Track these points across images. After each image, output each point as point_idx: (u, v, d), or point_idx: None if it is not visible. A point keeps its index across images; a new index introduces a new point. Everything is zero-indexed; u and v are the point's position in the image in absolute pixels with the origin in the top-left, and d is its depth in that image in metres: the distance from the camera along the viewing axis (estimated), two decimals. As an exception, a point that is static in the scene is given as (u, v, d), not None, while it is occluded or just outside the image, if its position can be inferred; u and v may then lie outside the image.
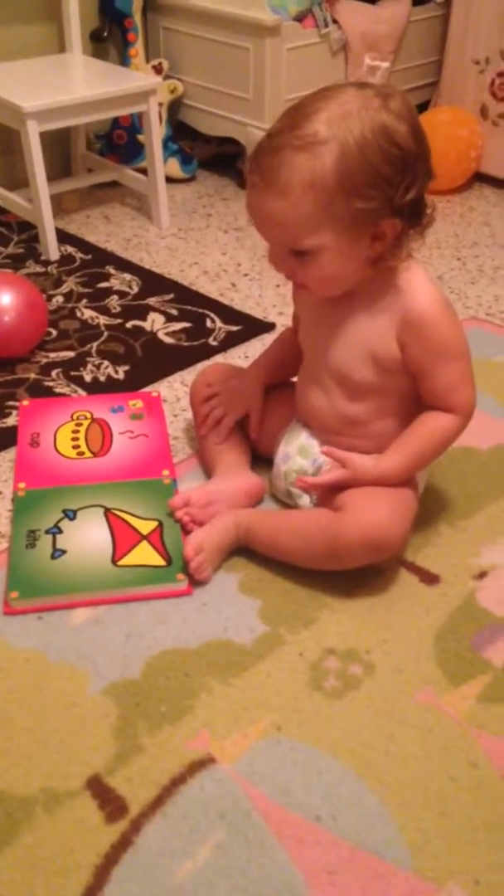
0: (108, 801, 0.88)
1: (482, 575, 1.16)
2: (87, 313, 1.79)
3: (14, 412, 1.47)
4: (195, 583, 1.12)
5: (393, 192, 0.94)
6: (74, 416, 1.42)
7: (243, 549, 1.17)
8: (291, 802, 0.88)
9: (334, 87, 0.96)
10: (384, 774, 0.91)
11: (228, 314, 1.79)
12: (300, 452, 1.21)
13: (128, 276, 1.94)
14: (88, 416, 1.42)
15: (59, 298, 1.84)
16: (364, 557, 1.08)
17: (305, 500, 1.20)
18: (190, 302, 1.84)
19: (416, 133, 0.96)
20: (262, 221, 1.00)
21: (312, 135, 0.92)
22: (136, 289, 1.89)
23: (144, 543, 1.16)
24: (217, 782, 0.90)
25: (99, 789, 0.89)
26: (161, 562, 1.14)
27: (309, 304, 1.15)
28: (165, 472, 1.29)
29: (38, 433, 1.38)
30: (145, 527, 1.19)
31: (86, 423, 1.40)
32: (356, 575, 1.11)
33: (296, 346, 1.23)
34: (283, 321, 1.73)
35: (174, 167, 2.38)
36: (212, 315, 1.79)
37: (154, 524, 1.19)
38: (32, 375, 1.58)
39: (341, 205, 0.94)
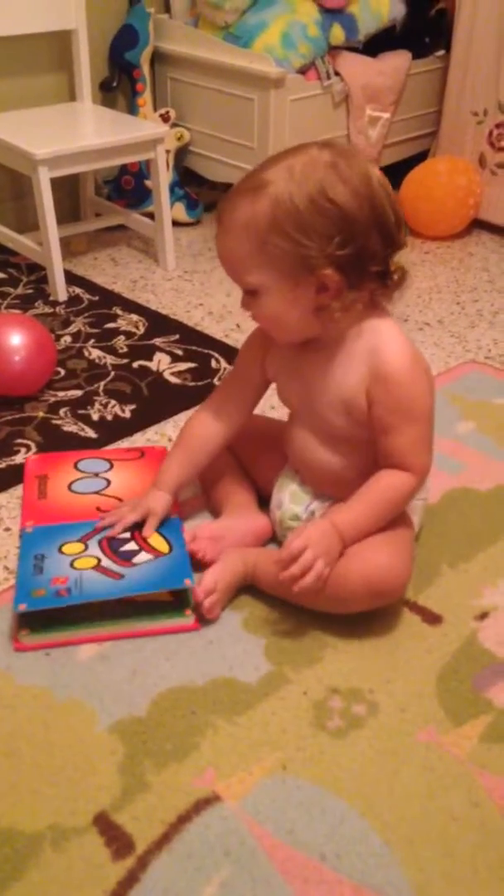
0: (115, 838, 0.89)
1: (483, 616, 1.17)
2: (95, 353, 1.83)
3: (23, 450, 1.50)
4: (202, 620, 1.14)
5: (325, 243, 0.99)
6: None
7: (248, 588, 1.18)
8: (296, 841, 0.89)
9: (303, 144, 1.04)
10: (387, 813, 0.92)
11: (233, 354, 1.82)
12: (292, 499, 1.23)
13: (134, 317, 1.98)
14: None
15: (68, 338, 1.88)
16: (367, 603, 1.11)
17: None
18: (195, 342, 1.88)
19: (360, 196, 0.99)
20: (220, 260, 1.08)
21: (258, 181, 1.02)
22: (142, 329, 1.93)
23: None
24: (222, 820, 0.91)
25: (106, 826, 0.90)
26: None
27: (282, 360, 1.18)
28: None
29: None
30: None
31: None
32: (359, 615, 1.13)
33: (210, 442, 1.24)
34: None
35: (180, 212, 2.44)
36: (216, 355, 1.83)
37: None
38: (41, 414, 1.61)
39: (272, 247, 1.00)
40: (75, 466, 1.42)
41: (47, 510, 1.31)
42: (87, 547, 1.22)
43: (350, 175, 1.00)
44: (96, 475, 1.40)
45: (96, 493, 1.36)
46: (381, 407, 1.08)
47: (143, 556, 1.19)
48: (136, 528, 1.24)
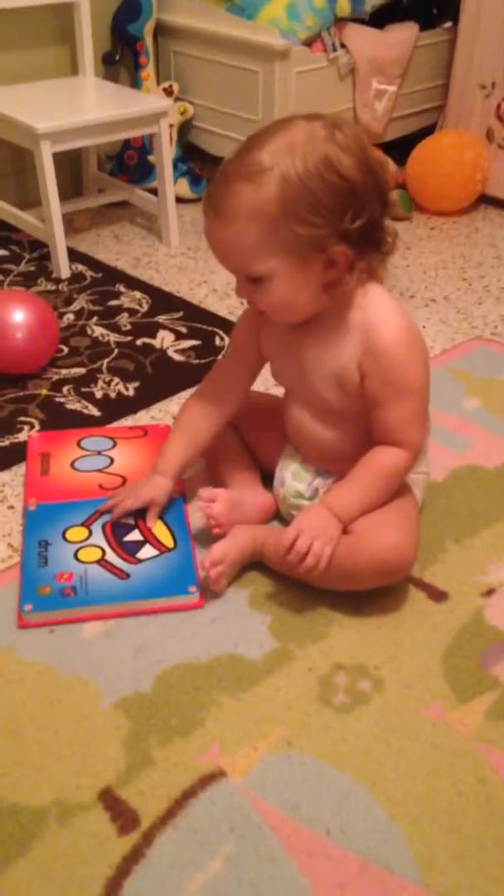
0: (120, 813, 0.89)
1: (490, 592, 1.17)
2: (98, 331, 1.82)
3: (26, 428, 1.49)
4: (207, 596, 1.13)
5: (338, 220, 0.96)
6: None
7: (252, 565, 1.18)
8: (301, 816, 0.89)
9: (286, 119, 1.00)
10: (393, 789, 0.92)
11: (237, 332, 1.81)
12: (295, 477, 1.22)
13: (138, 295, 1.96)
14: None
15: (70, 316, 1.87)
16: (376, 581, 1.10)
17: None
18: (199, 320, 1.86)
19: (363, 164, 0.97)
20: (216, 250, 1.03)
21: (257, 164, 0.95)
22: (145, 307, 1.91)
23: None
24: (228, 796, 0.91)
25: (111, 802, 0.90)
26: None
27: (276, 338, 1.16)
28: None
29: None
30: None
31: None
32: (364, 592, 1.12)
33: (208, 425, 1.23)
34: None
35: (184, 187, 2.41)
36: (220, 333, 1.81)
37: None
38: (44, 392, 1.60)
39: (285, 232, 0.96)
40: (78, 444, 1.42)
41: (50, 487, 1.31)
42: (91, 533, 1.22)
43: (349, 144, 0.97)
44: (99, 453, 1.40)
45: (99, 470, 1.35)
46: (374, 380, 1.07)
47: (148, 551, 1.19)
48: (140, 513, 1.24)
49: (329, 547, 1.06)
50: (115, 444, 1.42)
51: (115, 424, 1.52)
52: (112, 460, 1.38)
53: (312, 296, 1.04)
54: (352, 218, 0.97)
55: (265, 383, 1.49)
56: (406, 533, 1.10)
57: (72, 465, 1.37)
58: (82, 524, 1.23)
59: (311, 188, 0.94)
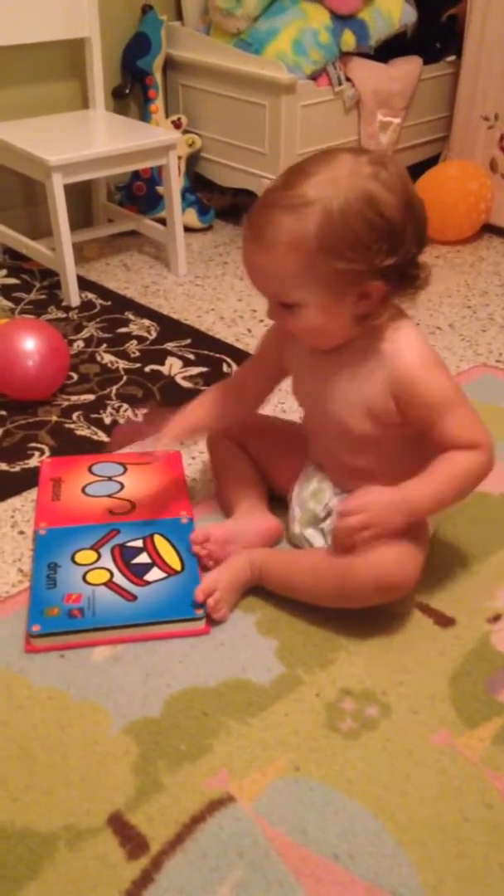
0: (129, 838, 0.89)
1: (496, 618, 1.18)
2: (107, 358, 1.84)
3: (37, 454, 1.51)
4: (213, 622, 1.14)
5: (374, 257, 0.98)
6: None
7: (259, 590, 1.19)
8: (309, 841, 0.89)
9: (331, 153, 1.01)
10: (400, 815, 0.92)
11: (244, 359, 1.83)
12: (313, 497, 1.24)
13: (146, 322, 1.99)
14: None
15: (80, 343, 1.90)
16: (374, 598, 1.10)
17: (319, 542, 1.23)
18: (207, 347, 1.89)
19: (406, 203, 0.99)
20: (251, 274, 1.06)
21: (300, 196, 0.97)
22: (154, 334, 1.94)
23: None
24: (236, 821, 0.91)
25: (120, 826, 0.90)
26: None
27: (300, 356, 1.18)
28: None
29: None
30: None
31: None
32: (371, 617, 1.13)
33: (231, 402, 1.28)
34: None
35: (192, 217, 2.45)
36: (228, 360, 1.83)
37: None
38: (54, 418, 1.62)
39: (322, 265, 0.98)
40: (90, 470, 1.44)
41: (60, 512, 1.33)
42: (99, 556, 1.23)
43: (393, 183, 0.98)
44: (110, 478, 1.41)
45: (109, 496, 1.37)
46: (414, 407, 1.08)
47: (156, 574, 1.20)
48: (149, 536, 1.26)
49: (375, 537, 1.05)
50: (125, 470, 1.44)
51: (125, 451, 1.54)
52: (122, 485, 1.40)
53: (343, 325, 1.06)
54: (389, 254, 0.98)
55: (273, 409, 1.50)
56: (410, 551, 1.10)
57: (83, 490, 1.38)
58: (91, 547, 1.25)
59: (352, 225, 0.96)
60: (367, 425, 1.12)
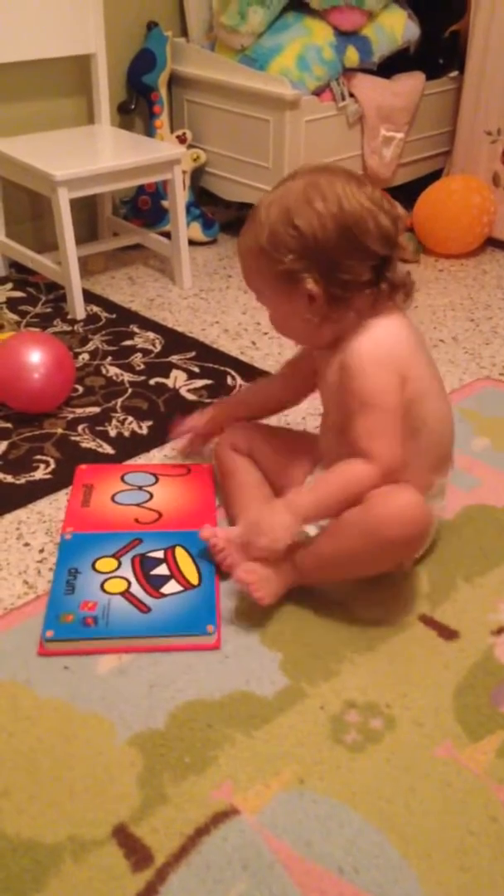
0: (134, 850, 0.90)
1: (500, 631, 1.18)
2: (112, 370, 1.85)
3: (42, 466, 1.52)
4: (225, 636, 1.15)
5: (295, 260, 1.10)
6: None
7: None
8: (314, 854, 0.89)
9: (295, 171, 1.16)
10: (405, 827, 0.92)
11: (248, 371, 1.85)
12: None
13: (151, 335, 2.00)
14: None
15: (86, 356, 1.91)
16: (400, 541, 1.11)
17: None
18: (211, 360, 1.90)
19: (327, 218, 1.08)
20: (244, 276, 1.22)
21: (260, 205, 1.15)
22: (159, 347, 1.95)
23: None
24: (240, 833, 0.91)
25: (125, 838, 0.91)
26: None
27: (317, 357, 1.27)
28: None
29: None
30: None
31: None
32: (375, 629, 1.14)
33: (264, 392, 1.47)
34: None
35: (196, 231, 2.47)
36: (232, 372, 1.84)
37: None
38: (59, 430, 1.63)
39: (262, 263, 1.14)
40: (122, 478, 1.46)
41: (87, 518, 1.35)
42: (120, 564, 1.24)
43: (318, 199, 1.09)
44: (140, 488, 1.43)
45: (137, 505, 1.39)
46: (346, 394, 1.15)
47: (173, 587, 1.21)
48: (170, 547, 1.27)
49: (275, 544, 1.13)
50: (157, 480, 1.46)
51: (129, 462, 1.55)
52: (151, 495, 1.41)
53: (306, 326, 1.16)
54: (311, 259, 1.10)
55: (280, 419, 1.51)
56: (420, 497, 1.12)
57: (112, 497, 1.40)
58: (113, 555, 1.26)
59: (273, 230, 1.11)
60: (340, 416, 1.18)
